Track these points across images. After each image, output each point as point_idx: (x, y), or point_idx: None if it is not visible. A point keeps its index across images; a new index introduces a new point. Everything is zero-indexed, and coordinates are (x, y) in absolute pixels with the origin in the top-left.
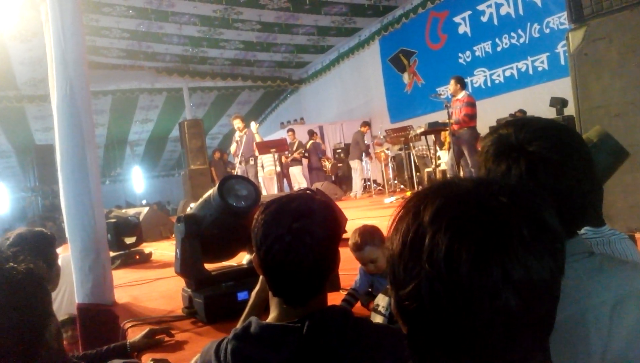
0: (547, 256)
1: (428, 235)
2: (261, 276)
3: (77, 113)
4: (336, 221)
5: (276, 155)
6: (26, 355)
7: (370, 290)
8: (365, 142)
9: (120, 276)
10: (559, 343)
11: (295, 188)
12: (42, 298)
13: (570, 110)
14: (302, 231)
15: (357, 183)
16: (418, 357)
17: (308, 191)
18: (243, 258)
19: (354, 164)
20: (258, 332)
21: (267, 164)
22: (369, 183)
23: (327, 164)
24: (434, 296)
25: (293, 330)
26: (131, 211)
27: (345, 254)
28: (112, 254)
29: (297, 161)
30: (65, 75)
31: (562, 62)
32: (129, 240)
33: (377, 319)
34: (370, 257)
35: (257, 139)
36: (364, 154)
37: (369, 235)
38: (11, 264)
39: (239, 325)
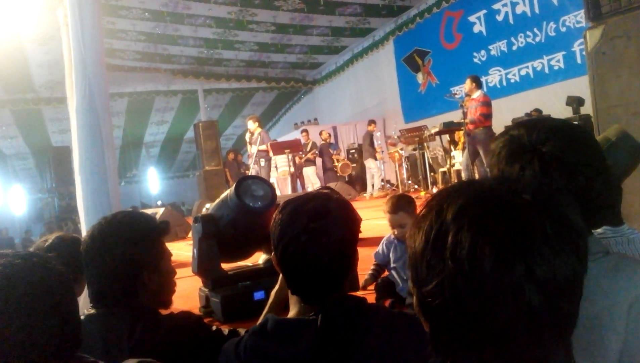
0: (570, 253)
1: (451, 232)
2: (280, 276)
3: (96, 115)
4: (353, 220)
5: (290, 156)
6: (56, 356)
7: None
8: (375, 141)
9: None
10: (576, 343)
11: (309, 188)
12: (70, 298)
13: (586, 109)
14: (318, 231)
15: (375, 183)
16: (440, 354)
17: (325, 191)
18: (259, 258)
19: (368, 163)
20: (274, 327)
21: (281, 164)
22: (382, 183)
23: (338, 164)
24: (457, 293)
25: (308, 323)
26: (147, 212)
27: (363, 253)
28: None
29: (310, 162)
30: (84, 77)
31: (579, 61)
32: None
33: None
34: (401, 222)
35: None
36: (386, 152)
37: (405, 201)
38: (35, 259)
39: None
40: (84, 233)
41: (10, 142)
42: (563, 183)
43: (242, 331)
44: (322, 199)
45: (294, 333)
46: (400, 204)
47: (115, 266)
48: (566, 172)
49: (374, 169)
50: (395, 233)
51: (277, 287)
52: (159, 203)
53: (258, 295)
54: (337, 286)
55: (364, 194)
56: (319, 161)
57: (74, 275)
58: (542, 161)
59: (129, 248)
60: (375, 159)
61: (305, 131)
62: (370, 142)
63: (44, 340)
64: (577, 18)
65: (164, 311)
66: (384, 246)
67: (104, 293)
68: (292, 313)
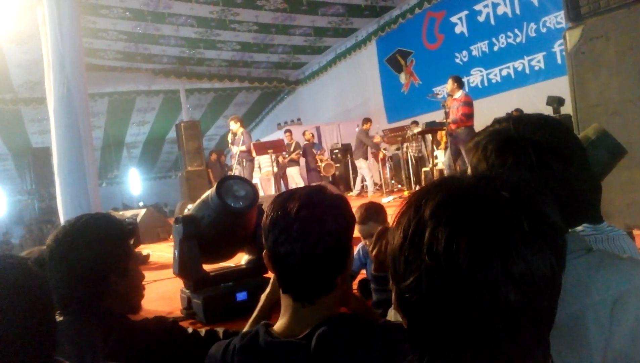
0: (548, 251)
1: (428, 229)
2: (272, 278)
3: (74, 115)
4: (348, 213)
5: (273, 156)
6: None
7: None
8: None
9: None
10: (560, 341)
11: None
12: (49, 301)
13: (566, 109)
14: (310, 219)
15: (368, 183)
16: (418, 350)
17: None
18: (241, 259)
19: (359, 163)
20: (264, 346)
21: (265, 165)
22: (365, 183)
23: (321, 164)
24: (434, 289)
25: (299, 347)
26: (128, 213)
27: None
28: None
29: (294, 162)
30: (62, 77)
31: (559, 61)
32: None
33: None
34: (371, 231)
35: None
36: (369, 151)
37: (373, 211)
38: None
39: (246, 328)
40: None
41: None
42: (560, 171)
43: (220, 330)
44: (315, 190)
45: (285, 358)
46: (368, 214)
47: (81, 269)
48: (562, 161)
49: (364, 169)
50: (367, 243)
51: (267, 289)
52: (141, 204)
53: (240, 296)
54: (329, 284)
55: (350, 194)
56: (302, 161)
57: None
58: (537, 150)
59: (94, 250)
60: (366, 158)
61: (289, 131)
62: (363, 141)
63: (22, 341)
64: (557, 19)
65: (136, 317)
66: (360, 252)
67: (70, 299)
68: (282, 320)
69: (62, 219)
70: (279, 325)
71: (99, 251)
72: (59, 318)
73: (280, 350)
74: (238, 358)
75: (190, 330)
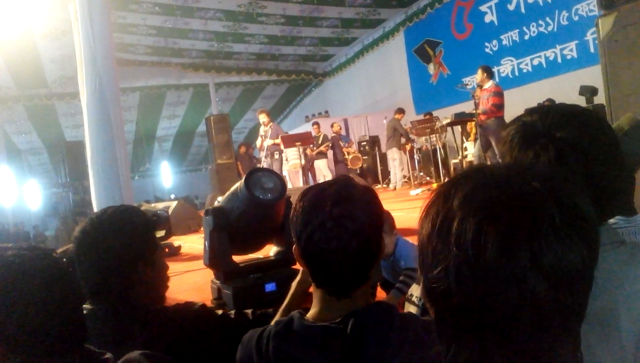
0: (579, 243)
1: (457, 219)
2: (302, 268)
3: (106, 109)
4: (378, 204)
5: (301, 148)
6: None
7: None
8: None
9: None
10: (591, 334)
11: (320, 181)
12: (79, 290)
13: (600, 98)
14: (343, 216)
15: (397, 174)
16: (445, 340)
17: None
18: (270, 250)
19: (392, 154)
20: (300, 331)
21: (292, 157)
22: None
23: (348, 157)
24: (461, 279)
25: (336, 331)
26: (160, 206)
27: None
28: None
29: (322, 155)
30: (94, 72)
31: (592, 50)
32: (158, 234)
33: (411, 309)
34: None
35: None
36: (403, 140)
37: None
38: (56, 255)
39: (278, 316)
40: None
41: (24, 137)
42: (579, 169)
43: (249, 311)
44: (344, 184)
45: (321, 341)
46: None
47: (109, 259)
48: (582, 158)
49: (397, 160)
50: None
51: (299, 278)
52: (172, 196)
53: (269, 286)
54: (364, 277)
55: (390, 186)
56: (330, 153)
57: None
58: (557, 147)
59: (121, 240)
60: (399, 148)
61: (317, 123)
62: (397, 129)
63: (57, 329)
64: (589, 6)
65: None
66: None
67: (101, 289)
68: (315, 309)
69: (95, 211)
70: (312, 313)
71: (126, 241)
72: (90, 307)
73: (316, 335)
74: (274, 344)
75: (219, 312)
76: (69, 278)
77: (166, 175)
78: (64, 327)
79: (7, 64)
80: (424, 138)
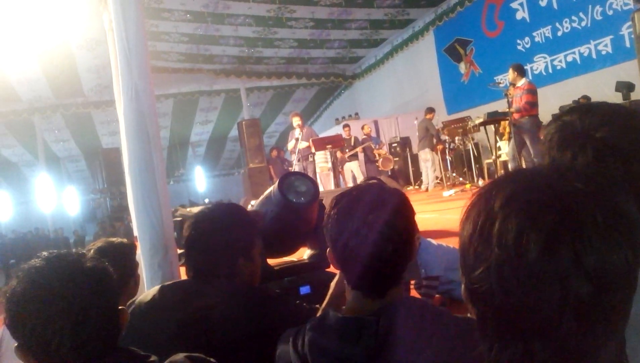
0: (623, 244)
1: (499, 219)
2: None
3: (142, 116)
4: (410, 208)
5: (329, 152)
6: (104, 349)
7: None
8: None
9: None
10: (637, 337)
11: (350, 184)
12: (114, 289)
13: (637, 94)
14: (378, 223)
15: (429, 175)
16: (487, 340)
17: (374, 180)
18: (304, 253)
19: (424, 155)
20: (334, 324)
21: (319, 161)
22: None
23: (379, 159)
24: (503, 280)
25: (369, 323)
26: (195, 210)
27: None
28: (179, 251)
29: (354, 156)
30: (130, 80)
31: (627, 45)
32: None
33: None
34: None
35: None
36: (435, 141)
37: None
38: (91, 262)
39: (318, 315)
40: (135, 231)
41: (63, 145)
42: (618, 171)
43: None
44: (376, 190)
45: (355, 332)
46: None
47: (217, 247)
48: (621, 160)
49: (429, 161)
50: None
51: (336, 279)
52: (206, 200)
53: (304, 289)
54: (398, 278)
55: (422, 187)
56: (361, 155)
57: (123, 278)
58: (595, 148)
59: (230, 232)
60: (432, 149)
61: (347, 126)
62: (429, 129)
63: (105, 333)
64: (624, 0)
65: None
66: None
67: (206, 272)
68: (349, 307)
69: (133, 217)
70: (347, 310)
71: (233, 234)
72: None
73: (350, 326)
74: (309, 336)
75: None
76: (100, 278)
77: (200, 180)
78: (97, 330)
79: (46, 75)
80: (457, 138)
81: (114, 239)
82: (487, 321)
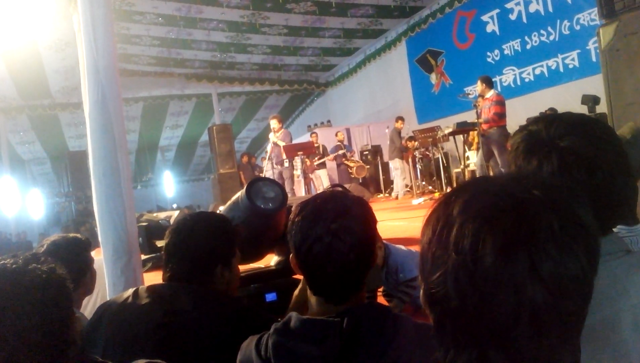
0: (579, 252)
1: (456, 224)
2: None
3: (109, 119)
4: (372, 216)
5: (299, 159)
6: (53, 354)
7: None
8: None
9: (152, 279)
10: (596, 344)
11: (320, 190)
12: (65, 297)
13: (602, 108)
14: (341, 231)
15: (399, 183)
16: (443, 345)
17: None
18: (271, 260)
19: (394, 163)
20: (298, 326)
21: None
22: (391, 186)
23: (353, 166)
24: (459, 285)
25: (333, 324)
26: (162, 215)
27: None
28: (143, 257)
29: (322, 165)
30: (97, 82)
31: (594, 59)
32: (160, 243)
33: None
34: None
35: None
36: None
37: None
38: (34, 265)
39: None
40: (99, 236)
41: (28, 147)
42: (583, 179)
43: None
44: (340, 198)
45: (319, 334)
46: None
47: (195, 257)
48: (585, 167)
49: (399, 170)
50: None
51: (300, 286)
52: (175, 206)
53: (270, 296)
54: (359, 284)
55: (391, 195)
56: (332, 163)
57: (75, 276)
58: (560, 156)
59: (209, 240)
60: (401, 158)
61: (315, 133)
62: (394, 140)
63: (35, 338)
64: (591, 16)
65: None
66: None
67: (184, 277)
68: (312, 312)
69: (97, 221)
70: (310, 314)
71: (212, 241)
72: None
73: (314, 328)
74: (274, 339)
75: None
76: (54, 290)
77: (169, 185)
78: (43, 336)
79: (11, 75)
80: (425, 147)
81: (69, 234)
82: (443, 326)
